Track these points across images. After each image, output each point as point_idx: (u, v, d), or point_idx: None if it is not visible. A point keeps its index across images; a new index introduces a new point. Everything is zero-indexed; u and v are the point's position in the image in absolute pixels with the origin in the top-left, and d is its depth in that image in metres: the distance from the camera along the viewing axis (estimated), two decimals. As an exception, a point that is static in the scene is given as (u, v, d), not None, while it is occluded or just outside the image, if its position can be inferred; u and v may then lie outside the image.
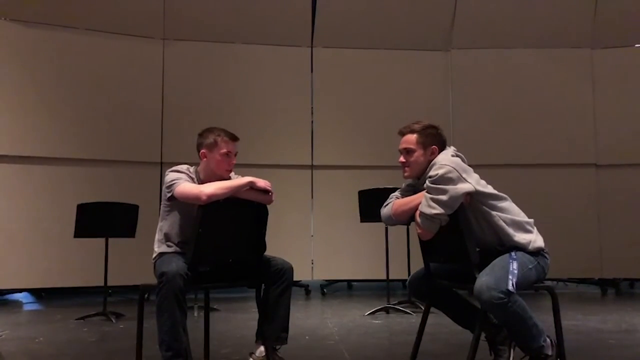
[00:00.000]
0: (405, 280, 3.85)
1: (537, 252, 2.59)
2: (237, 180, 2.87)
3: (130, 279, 5.42)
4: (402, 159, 2.72)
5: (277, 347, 2.90)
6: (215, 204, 2.71)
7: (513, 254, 2.52)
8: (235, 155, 2.94)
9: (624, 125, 6.39)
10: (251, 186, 2.83)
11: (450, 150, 2.69)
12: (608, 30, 6.44)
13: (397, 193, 2.80)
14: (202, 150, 2.92)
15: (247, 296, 5.77)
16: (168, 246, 2.85)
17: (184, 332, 2.62)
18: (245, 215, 2.86)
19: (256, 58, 6.40)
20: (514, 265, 2.46)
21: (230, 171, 2.95)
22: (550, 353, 2.51)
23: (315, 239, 6.37)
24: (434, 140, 2.69)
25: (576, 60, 6.55)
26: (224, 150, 2.88)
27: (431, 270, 2.80)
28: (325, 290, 6.48)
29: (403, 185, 2.83)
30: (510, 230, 2.57)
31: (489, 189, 2.62)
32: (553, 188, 6.37)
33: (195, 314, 4.66)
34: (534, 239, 2.60)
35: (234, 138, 2.93)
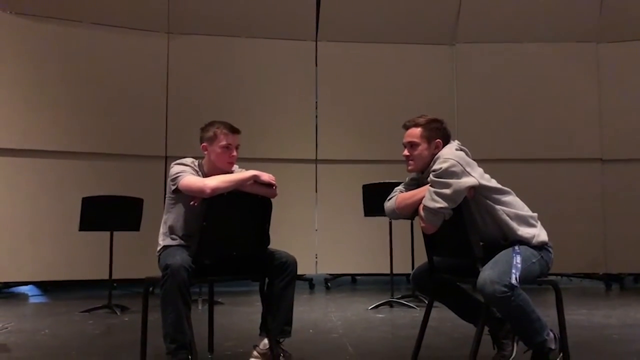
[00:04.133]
0: (409, 274, 3.86)
1: (540, 247, 2.58)
2: (241, 173, 2.87)
3: (135, 272, 5.42)
4: (406, 152, 2.71)
5: (281, 340, 2.91)
6: (219, 197, 2.71)
7: (517, 247, 2.52)
8: (237, 148, 2.93)
9: (629, 119, 6.37)
10: (255, 180, 2.82)
11: (454, 144, 2.69)
12: (614, 24, 6.40)
13: (400, 187, 2.80)
14: (204, 144, 2.93)
15: (251, 289, 5.78)
16: (172, 239, 2.86)
17: (188, 325, 2.62)
18: (249, 208, 2.86)
19: (261, 52, 6.40)
20: (518, 259, 2.46)
21: (232, 164, 2.95)
22: (553, 347, 2.51)
23: (319, 233, 6.38)
24: (438, 134, 2.69)
25: (582, 55, 6.52)
26: (223, 143, 2.88)
27: (435, 264, 2.80)
28: (329, 284, 6.49)
29: (407, 179, 2.82)
30: (514, 224, 2.56)
31: (493, 183, 2.62)
32: (558, 183, 6.35)
33: (200, 307, 4.68)
34: (538, 233, 2.59)
35: (234, 130, 2.92)
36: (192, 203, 2.79)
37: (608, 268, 6.35)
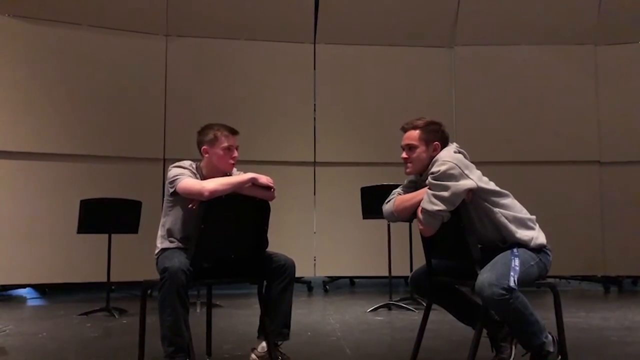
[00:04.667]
0: (408, 277, 3.86)
1: (539, 249, 2.58)
2: (239, 176, 2.87)
3: (133, 275, 5.42)
4: (404, 155, 2.72)
5: (279, 342, 2.91)
6: (217, 200, 2.71)
7: (515, 250, 2.52)
8: (237, 148, 2.94)
9: (627, 122, 6.37)
10: (253, 182, 2.83)
11: (452, 147, 2.69)
12: (612, 26, 6.41)
13: (399, 189, 2.80)
14: (204, 147, 2.92)
15: (249, 292, 5.78)
16: (170, 242, 2.86)
17: (186, 328, 2.62)
18: (247, 211, 2.86)
19: (259, 54, 6.40)
20: (516, 262, 2.46)
21: (234, 165, 2.96)
22: (551, 350, 2.51)
23: (317, 235, 6.37)
24: (436, 136, 2.69)
25: (580, 57, 6.52)
26: (225, 144, 2.89)
27: (433, 266, 2.80)
28: (327, 286, 6.49)
29: (405, 182, 2.83)
30: (512, 227, 2.57)
31: (491, 186, 2.62)
32: (556, 185, 6.35)
33: (198, 310, 4.67)
34: (536, 235, 2.59)
35: (233, 132, 2.94)
36: (190, 206, 2.79)
37: (606, 270, 6.35)
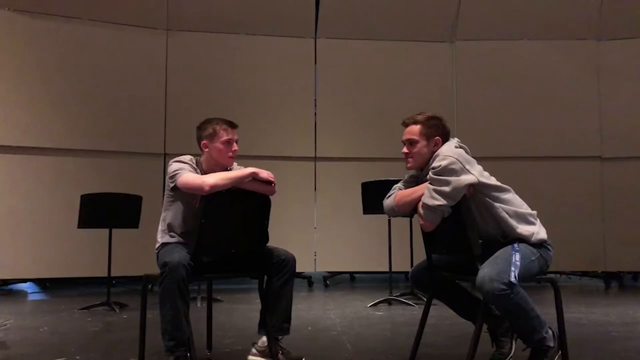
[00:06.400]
0: (408, 272, 3.87)
1: (539, 244, 2.58)
2: (240, 171, 2.86)
3: (133, 269, 5.44)
4: (405, 150, 2.71)
5: (280, 337, 2.91)
6: (217, 195, 2.70)
7: (515, 245, 2.51)
8: (237, 142, 2.93)
9: (629, 117, 6.37)
10: (254, 177, 2.82)
11: (453, 142, 2.68)
12: (614, 21, 6.40)
13: (399, 184, 2.79)
14: (203, 142, 2.91)
15: (249, 287, 5.79)
16: (171, 236, 2.86)
17: (187, 322, 2.62)
18: (247, 206, 2.85)
19: (259, 49, 6.39)
20: (517, 257, 2.46)
21: (234, 158, 2.95)
22: (552, 345, 2.51)
23: (318, 230, 6.37)
24: (437, 131, 2.68)
25: (582, 52, 6.51)
26: (225, 138, 2.88)
27: (433, 261, 2.80)
28: (327, 282, 6.49)
29: (406, 177, 2.82)
30: (513, 222, 2.56)
31: (492, 181, 2.62)
32: (557, 180, 6.35)
33: (199, 305, 4.68)
34: (537, 230, 2.59)
35: (232, 125, 2.93)
36: (195, 204, 2.79)
37: (607, 266, 6.35)
